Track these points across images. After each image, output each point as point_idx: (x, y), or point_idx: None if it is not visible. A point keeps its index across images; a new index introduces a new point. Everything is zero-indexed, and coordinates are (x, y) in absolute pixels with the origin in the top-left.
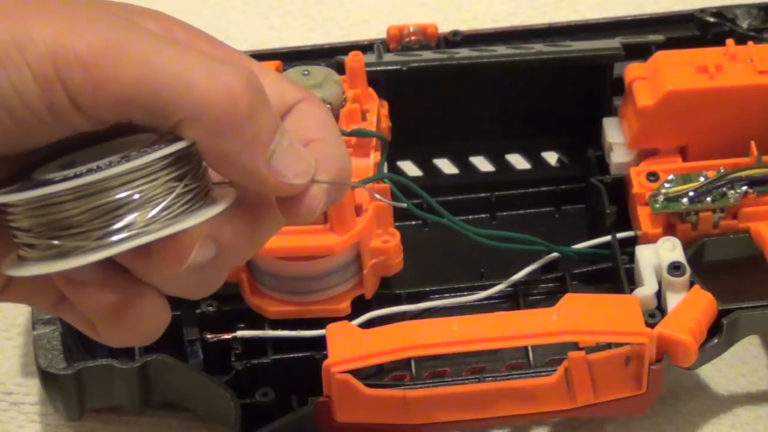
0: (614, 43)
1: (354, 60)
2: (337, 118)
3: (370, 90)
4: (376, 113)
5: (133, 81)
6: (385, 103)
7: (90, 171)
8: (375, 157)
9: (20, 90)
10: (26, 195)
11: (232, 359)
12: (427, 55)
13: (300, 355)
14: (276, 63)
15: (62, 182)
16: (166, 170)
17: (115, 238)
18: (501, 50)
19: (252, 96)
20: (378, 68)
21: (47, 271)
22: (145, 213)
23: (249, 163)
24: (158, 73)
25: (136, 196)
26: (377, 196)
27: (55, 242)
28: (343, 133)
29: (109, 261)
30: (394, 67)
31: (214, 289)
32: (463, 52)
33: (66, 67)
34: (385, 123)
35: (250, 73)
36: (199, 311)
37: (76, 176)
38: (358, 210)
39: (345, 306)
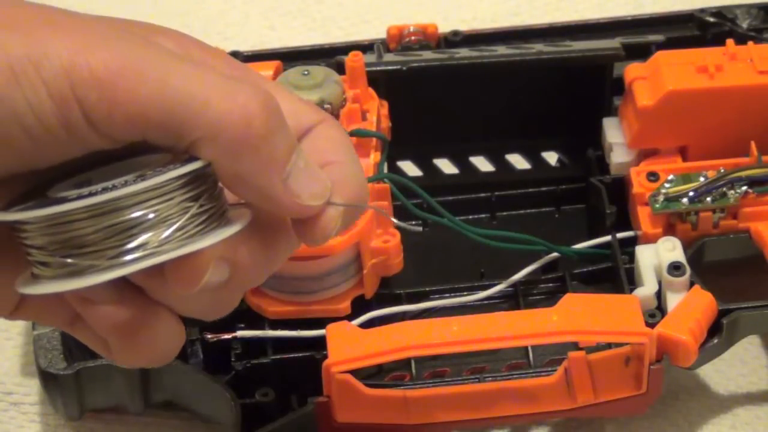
0: (614, 43)
1: (354, 60)
2: (337, 118)
3: (370, 90)
4: (376, 113)
5: (149, 100)
6: (385, 103)
7: (105, 189)
8: (375, 157)
9: (35, 107)
10: (41, 212)
11: (232, 359)
12: (427, 55)
13: (300, 355)
14: (276, 63)
15: (77, 200)
16: (181, 190)
17: (128, 257)
18: (501, 50)
19: (268, 116)
20: (378, 68)
21: (60, 289)
22: (160, 233)
23: (264, 184)
24: (174, 93)
25: (151, 216)
26: (395, 221)
27: (69, 260)
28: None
29: (124, 280)
30: (394, 67)
31: (228, 311)
32: (463, 52)
33: (81, 84)
34: (385, 123)
35: (267, 93)
36: None
37: (90, 195)
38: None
39: (345, 306)
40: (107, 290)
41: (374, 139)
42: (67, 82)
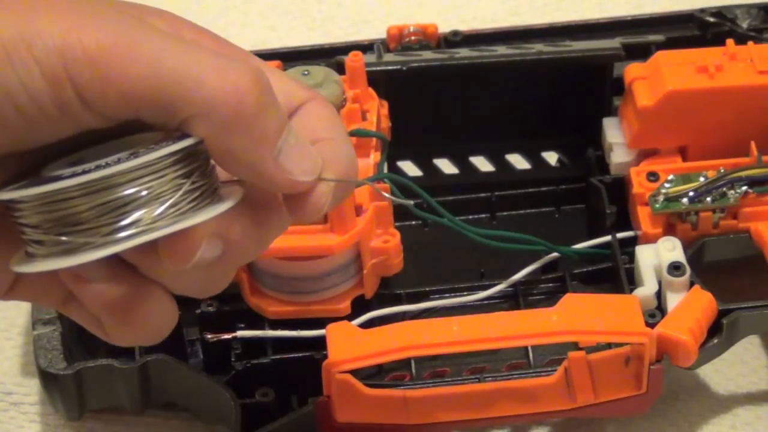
0: (614, 43)
1: (354, 60)
2: None
3: (370, 90)
4: (376, 113)
5: (141, 78)
6: (385, 103)
7: (98, 167)
8: (375, 157)
9: (28, 86)
10: (34, 191)
11: (232, 359)
12: (427, 55)
13: (300, 355)
14: (276, 63)
15: (70, 178)
16: (173, 167)
17: (122, 234)
18: (501, 50)
19: (260, 93)
20: (378, 68)
21: (55, 267)
22: (153, 210)
23: (256, 161)
24: (166, 70)
25: (144, 193)
26: (385, 194)
27: (63, 238)
28: None
29: (117, 258)
30: (394, 67)
31: (220, 289)
32: (463, 52)
33: (74, 63)
34: (385, 123)
35: (258, 71)
36: (199, 311)
37: (84, 172)
38: (358, 210)
39: (345, 306)
40: (101, 268)
41: (374, 139)
42: (59, 60)
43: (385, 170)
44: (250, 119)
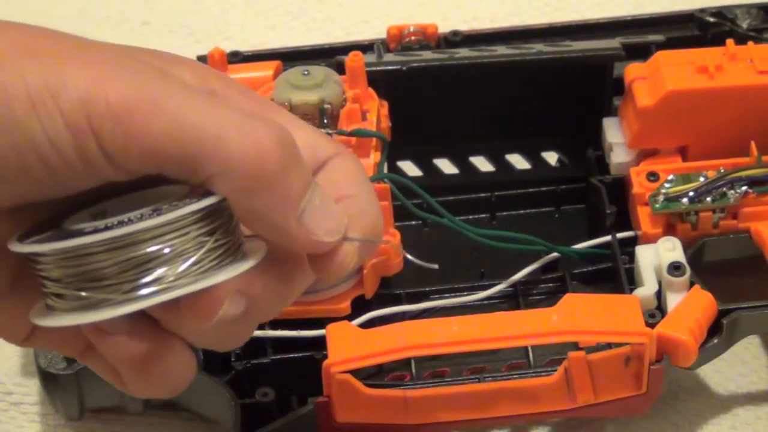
0: (614, 43)
1: (354, 60)
2: (337, 118)
3: (370, 90)
4: (376, 113)
5: (164, 134)
6: (385, 103)
7: (121, 223)
8: (375, 157)
9: (52, 136)
10: (57, 245)
11: (232, 359)
12: (427, 55)
13: (300, 355)
14: (276, 63)
15: (93, 234)
16: (197, 225)
17: (144, 291)
18: (501, 50)
19: (283, 153)
20: (378, 68)
21: (75, 322)
22: (175, 267)
23: (279, 221)
24: (189, 127)
25: (167, 250)
26: (413, 259)
27: (84, 294)
28: (343, 133)
29: (139, 312)
30: (394, 67)
31: (242, 343)
32: (463, 52)
33: (98, 116)
34: (385, 123)
35: (282, 130)
36: None
37: (107, 228)
38: None
39: (345, 306)
40: (122, 322)
41: (374, 139)
42: (83, 113)
43: (385, 170)
44: (272, 179)
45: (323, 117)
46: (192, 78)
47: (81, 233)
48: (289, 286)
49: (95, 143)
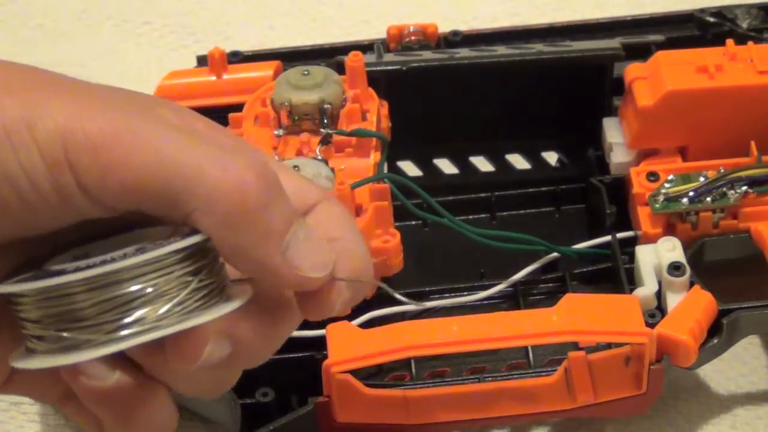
0: (614, 43)
1: (354, 60)
2: (337, 118)
3: (370, 90)
4: (376, 113)
5: (142, 168)
6: (385, 103)
7: (103, 262)
8: (375, 157)
9: (27, 168)
10: (36, 285)
11: None
12: (427, 55)
13: (300, 355)
14: (276, 63)
15: (74, 273)
16: (180, 264)
17: (126, 332)
18: (501, 50)
19: (265, 187)
20: (378, 68)
21: (55, 364)
22: (158, 308)
23: (263, 256)
24: (170, 161)
25: (149, 290)
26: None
27: (65, 335)
28: (343, 133)
29: (122, 356)
30: (394, 67)
31: (228, 388)
32: (463, 52)
33: (74, 148)
34: (385, 123)
35: (263, 164)
36: None
37: (88, 267)
38: (359, 210)
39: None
40: (103, 365)
41: (374, 139)
42: (60, 144)
43: (385, 170)
44: (254, 213)
45: (323, 117)
46: (173, 117)
47: (61, 273)
48: (276, 329)
49: (71, 176)
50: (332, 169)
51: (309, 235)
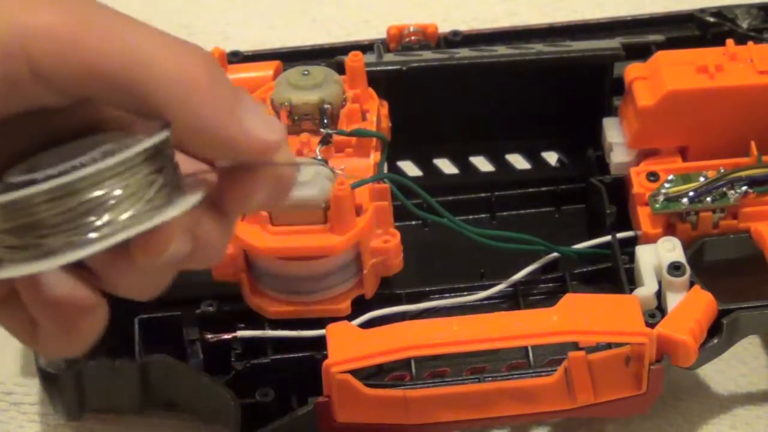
0: (614, 43)
1: (354, 60)
2: (337, 118)
3: (370, 90)
4: (376, 113)
5: (96, 51)
6: (385, 103)
7: (74, 168)
8: (375, 157)
9: None
10: (16, 195)
11: (232, 359)
12: (427, 55)
13: (300, 355)
14: (276, 63)
15: (36, 185)
16: (146, 163)
17: (93, 235)
18: (501, 50)
19: (213, 65)
20: (378, 68)
21: (24, 272)
22: (128, 207)
23: (222, 129)
24: (127, 45)
25: (119, 192)
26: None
27: (36, 241)
28: (343, 133)
29: (79, 265)
30: (394, 67)
31: (162, 289)
32: (463, 52)
33: (31, 36)
34: (385, 123)
35: (204, 50)
36: (199, 311)
37: (51, 177)
38: (358, 210)
39: (345, 306)
40: (63, 273)
41: (374, 139)
42: (15, 33)
43: (385, 170)
44: (207, 88)
45: (323, 117)
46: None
47: (21, 185)
48: (230, 225)
49: (25, 62)
50: (332, 169)
51: (254, 104)
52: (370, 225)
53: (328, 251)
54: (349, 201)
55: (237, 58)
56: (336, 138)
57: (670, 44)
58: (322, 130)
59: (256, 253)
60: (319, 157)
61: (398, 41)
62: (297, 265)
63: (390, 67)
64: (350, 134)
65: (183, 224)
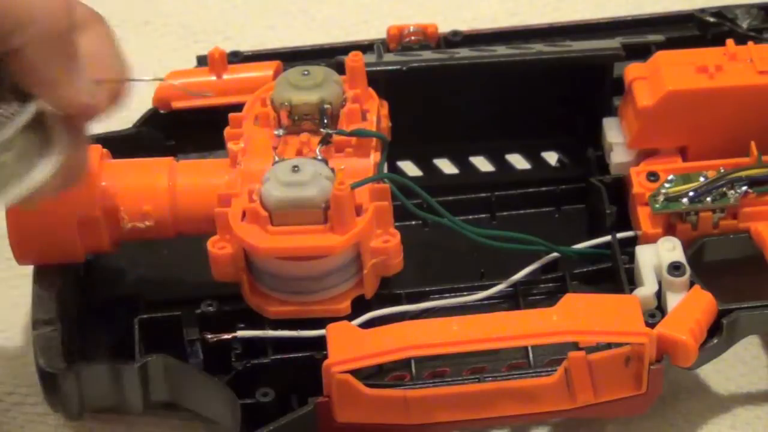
0: (614, 43)
1: (354, 60)
2: (337, 118)
3: (370, 90)
4: (376, 113)
5: None
6: (385, 103)
7: None
8: (375, 157)
9: None
10: None
11: (232, 359)
12: (427, 55)
13: (300, 355)
14: (276, 63)
15: None
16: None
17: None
18: (501, 50)
19: (70, 13)
20: (378, 68)
21: None
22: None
23: (63, 78)
24: None
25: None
26: None
27: None
28: (343, 133)
29: None
30: (394, 67)
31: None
32: (463, 52)
33: None
34: (385, 123)
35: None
36: (199, 311)
37: None
38: (358, 210)
39: (345, 306)
40: None
41: (374, 139)
42: None
43: (385, 170)
44: (66, 37)
45: (323, 117)
46: None
47: None
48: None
49: None
50: (332, 169)
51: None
52: (370, 225)
53: (328, 251)
54: (348, 201)
55: (237, 58)
56: (336, 138)
57: (670, 44)
58: (322, 130)
59: (255, 253)
60: (320, 157)
61: (398, 41)
62: (296, 265)
63: (390, 67)
64: (350, 134)
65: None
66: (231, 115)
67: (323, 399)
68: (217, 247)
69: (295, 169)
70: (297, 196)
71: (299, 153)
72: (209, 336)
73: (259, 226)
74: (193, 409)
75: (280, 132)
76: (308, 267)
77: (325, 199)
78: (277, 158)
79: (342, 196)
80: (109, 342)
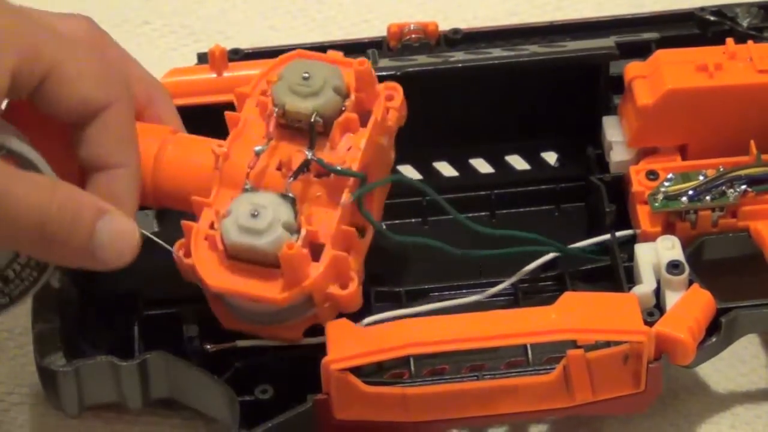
0: (608, 42)
1: (361, 65)
2: (330, 126)
3: (377, 89)
4: (379, 113)
5: None
6: (399, 88)
7: None
8: (346, 197)
9: None
10: None
11: (232, 358)
12: (422, 59)
13: (299, 352)
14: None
15: None
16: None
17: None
18: (495, 53)
19: (60, 215)
20: None
21: None
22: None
23: (75, 263)
24: None
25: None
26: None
27: None
28: (322, 164)
29: None
30: (389, 73)
31: None
32: (458, 56)
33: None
34: (394, 115)
35: (59, 192)
36: (198, 308)
37: None
38: (318, 251)
39: (297, 335)
40: None
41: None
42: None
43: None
44: (56, 236)
45: (313, 133)
46: None
47: None
48: None
49: None
50: (296, 213)
51: (112, 229)
52: (324, 277)
53: (273, 302)
54: (297, 260)
55: (237, 55)
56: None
57: (670, 43)
58: (306, 152)
59: (204, 286)
60: (289, 194)
61: (399, 39)
62: (248, 303)
63: (384, 73)
64: (330, 170)
65: None
66: (236, 91)
67: (322, 396)
68: (181, 252)
69: (255, 214)
70: (250, 245)
71: (278, 169)
72: (209, 347)
73: (217, 255)
74: (192, 406)
75: (262, 149)
76: (258, 305)
77: (275, 253)
78: (248, 184)
79: (290, 257)
80: (108, 339)
